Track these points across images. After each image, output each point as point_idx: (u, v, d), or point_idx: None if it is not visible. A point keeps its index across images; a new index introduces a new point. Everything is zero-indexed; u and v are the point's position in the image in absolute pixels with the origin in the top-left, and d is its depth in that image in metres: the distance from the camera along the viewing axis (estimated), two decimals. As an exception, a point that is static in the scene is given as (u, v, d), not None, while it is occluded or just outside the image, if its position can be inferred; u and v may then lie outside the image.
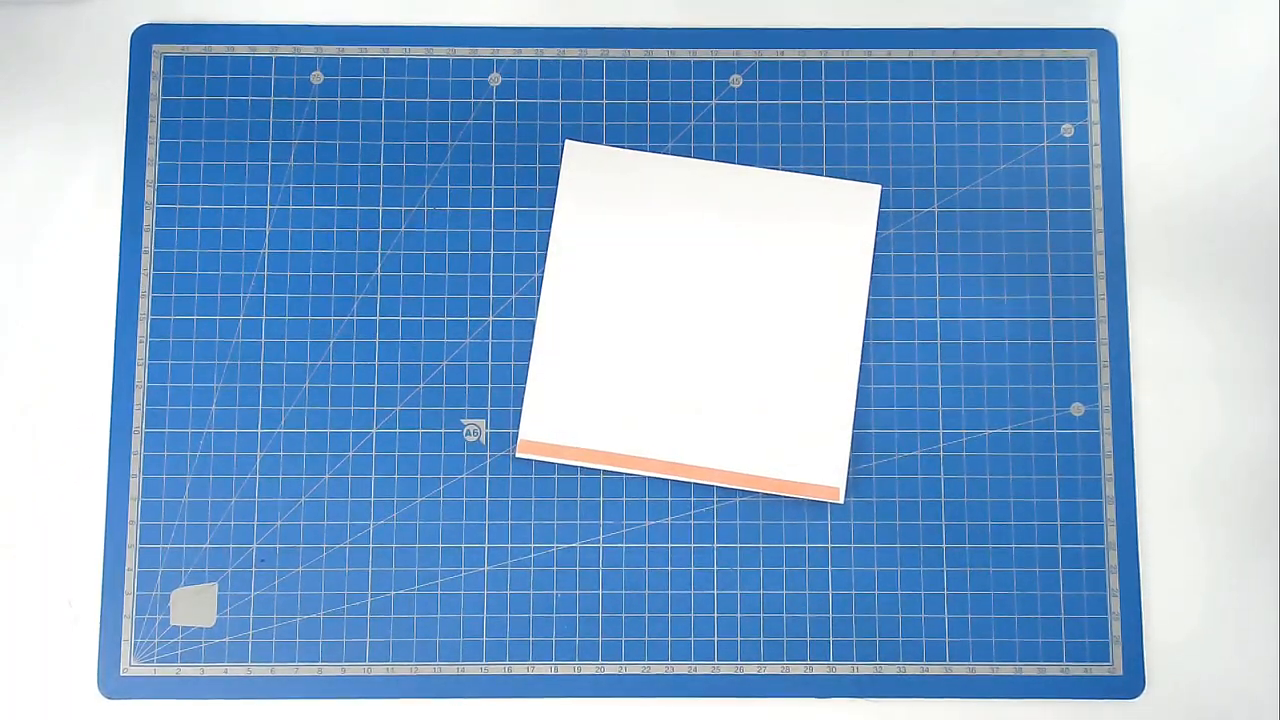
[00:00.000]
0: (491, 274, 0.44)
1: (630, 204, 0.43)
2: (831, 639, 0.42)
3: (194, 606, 0.42)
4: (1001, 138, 0.45)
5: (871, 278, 0.44)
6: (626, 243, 0.43)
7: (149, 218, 0.44)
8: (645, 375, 0.43)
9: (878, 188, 0.44)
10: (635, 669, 0.42)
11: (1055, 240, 0.44)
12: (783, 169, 0.44)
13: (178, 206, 0.44)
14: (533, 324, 0.43)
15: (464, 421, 0.43)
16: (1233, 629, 0.43)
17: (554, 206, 0.44)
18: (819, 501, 0.43)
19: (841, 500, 0.42)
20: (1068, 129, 0.45)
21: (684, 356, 0.43)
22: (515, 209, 0.44)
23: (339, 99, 0.45)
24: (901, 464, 0.43)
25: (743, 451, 0.42)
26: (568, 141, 0.44)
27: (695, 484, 0.43)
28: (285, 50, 0.45)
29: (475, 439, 0.43)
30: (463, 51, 0.45)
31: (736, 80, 0.45)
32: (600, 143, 0.44)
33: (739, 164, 0.44)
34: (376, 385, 0.43)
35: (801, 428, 0.42)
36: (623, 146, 0.44)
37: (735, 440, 0.42)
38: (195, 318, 0.43)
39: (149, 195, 0.44)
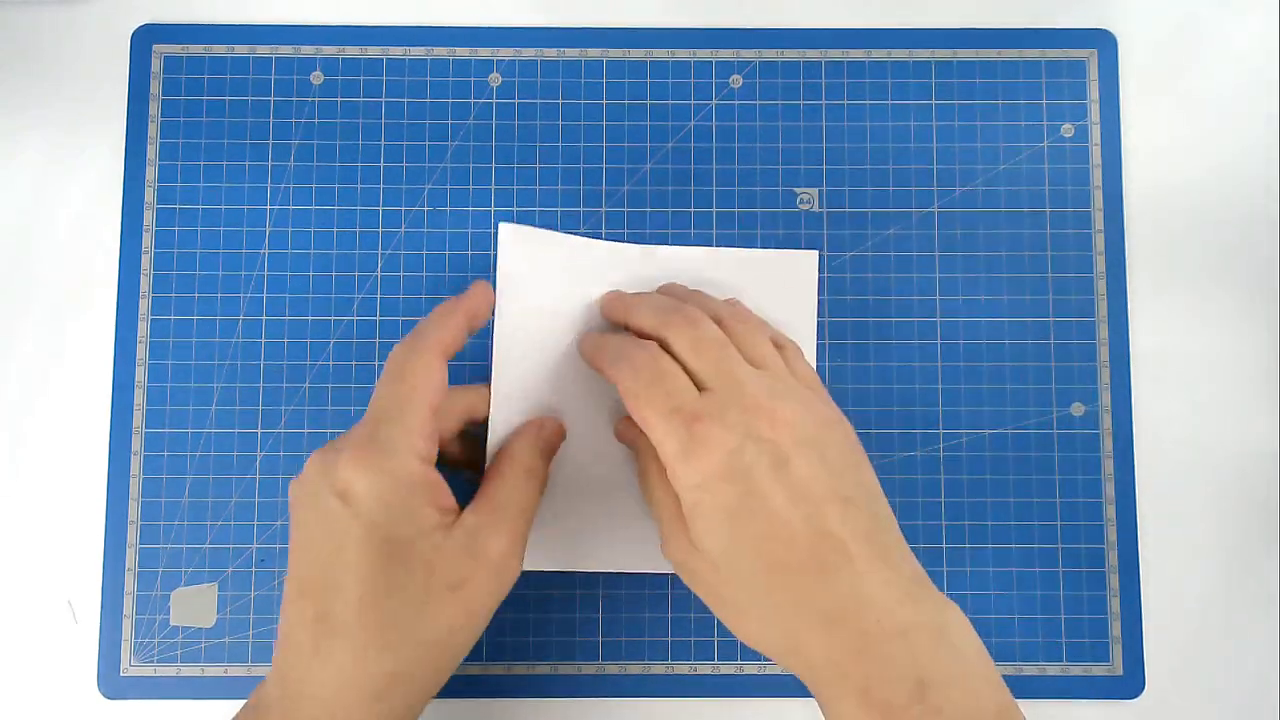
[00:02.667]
0: (492, 274, 0.44)
1: (569, 291, 0.41)
2: (831, 639, 0.42)
3: (194, 607, 0.42)
4: (1001, 138, 0.45)
5: (819, 344, 0.43)
6: (568, 330, 0.41)
7: (149, 218, 0.44)
8: (593, 486, 0.41)
9: (814, 254, 0.42)
10: (635, 669, 0.42)
11: (1055, 240, 0.44)
12: (783, 166, 0.44)
13: (178, 206, 0.44)
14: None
15: (464, 421, 0.43)
16: (1233, 629, 0.43)
17: (496, 292, 0.41)
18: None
19: None
20: (1068, 129, 0.45)
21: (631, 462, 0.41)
22: (515, 209, 0.44)
23: (339, 99, 0.45)
24: (902, 464, 0.43)
25: None
26: (501, 224, 0.41)
27: None
28: (285, 50, 0.45)
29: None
30: (463, 51, 0.45)
31: (736, 80, 0.45)
32: (601, 143, 0.44)
33: (679, 241, 0.43)
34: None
35: None
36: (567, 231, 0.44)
37: None
38: (195, 318, 0.44)
39: (149, 195, 0.44)
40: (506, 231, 0.41)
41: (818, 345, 0.43)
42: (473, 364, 0.43)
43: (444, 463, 0.38)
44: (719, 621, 0.42)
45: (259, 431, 0.43)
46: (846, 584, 0.32)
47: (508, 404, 0.41)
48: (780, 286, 0.43)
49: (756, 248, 0.44)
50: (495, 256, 0.43)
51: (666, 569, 0.39)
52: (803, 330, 0.42)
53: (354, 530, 0.33)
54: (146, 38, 0.45)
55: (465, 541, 0.34)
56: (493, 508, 0.36)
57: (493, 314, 0.40)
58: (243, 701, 0.42)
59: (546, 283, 0.41)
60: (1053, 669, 0.42)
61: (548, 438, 0.39)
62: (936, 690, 0.31)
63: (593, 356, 0.38)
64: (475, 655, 0.42)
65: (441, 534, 0.34)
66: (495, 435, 0.40)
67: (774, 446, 0.33)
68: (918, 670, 0.31)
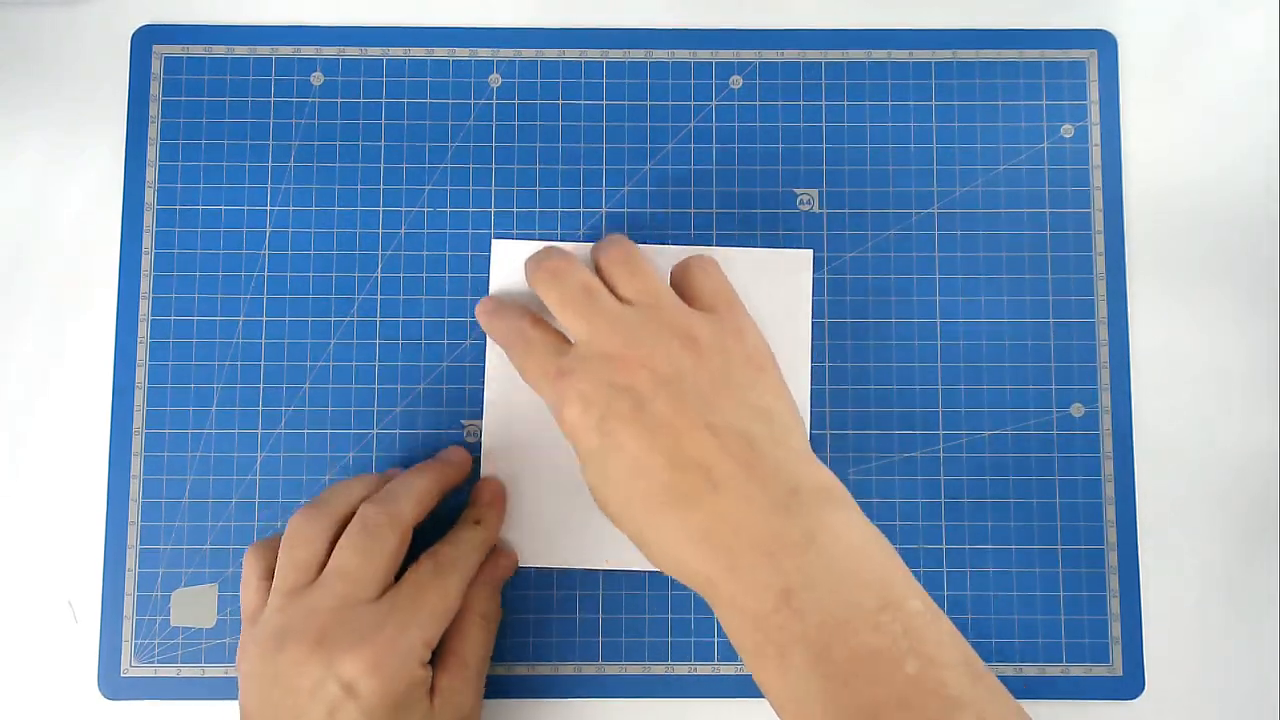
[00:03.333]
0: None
1: None
2: (831, 639, 0.42)
3: (194, 607, 0.42)
4: (1001, 138, 0.45)
5: (814, 344, 0.43)
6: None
7: (149, 218, 0.44)
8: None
9: (809, 253, 0.43)
10: (635, 669, 0.42)
11: (1055, 240, 0.44)
12: (783, 166, 0.44)
13: (178, 207, 0.44)
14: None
15: (464, 422, 0.43)
16: (1233, 629, 0.43)
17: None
18: (819, 502, 0.43)
19: None
20: (1068, 129, 0.45)
21: None
22: (515, 209, 0.44)
23: (339, 99, 0.45)
24: (901, 464, 0.43)
25: None
26: (494, 241, 0.43)
27: None
28: (285, 50, 0.45)
29: (475, 439, 0.43)
30: (462, 52, 0.45)
31: (736, 80, 0.45)
32: (601, 143, 0.44)
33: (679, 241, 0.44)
34: (376, 385, 0.43)
35: None
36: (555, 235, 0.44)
37: None
38: (195, 318, 0.44)
39: (149, 195, 0.44)
40: (499, 249, 0.43)
41: (816, 345, 0.43)
42: (471, 383, 0.44)
43: None
44: (719, 622, 0.42)
45: (259, 431, 0.43)
46: (710, 507, 0.34)
47: (501, 413, 0.42)
48: (776, 285, 0.43)
49: (756, 247, 0.44)
50: (489, 273, 0.43)
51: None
52: (799, 328, 0.43)
53: None
54: (146, 38, 0.45)
55: (442, 709, 0.37)
56: (461, 665, 0.38)
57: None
58: (243, 702, 0.42)
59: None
60: (1053, 669, 0.42)
61: (502, 575, 0.41)
62: (799, 595, 0.32)
63: (490, 335, 0.42)
64: (475, 655, 0.42)
65: (427, 711, 0.37)
66: (489, 448, 0.42)
67: (631, 391, 0.35)
68: (782, 579, 0.32)
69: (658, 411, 0.35)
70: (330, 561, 0.37)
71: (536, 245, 0.43)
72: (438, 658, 0.38)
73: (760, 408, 0.36)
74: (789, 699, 0.32)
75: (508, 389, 0.42)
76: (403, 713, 0.35)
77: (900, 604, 0.32)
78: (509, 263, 0.43)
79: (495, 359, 0.43)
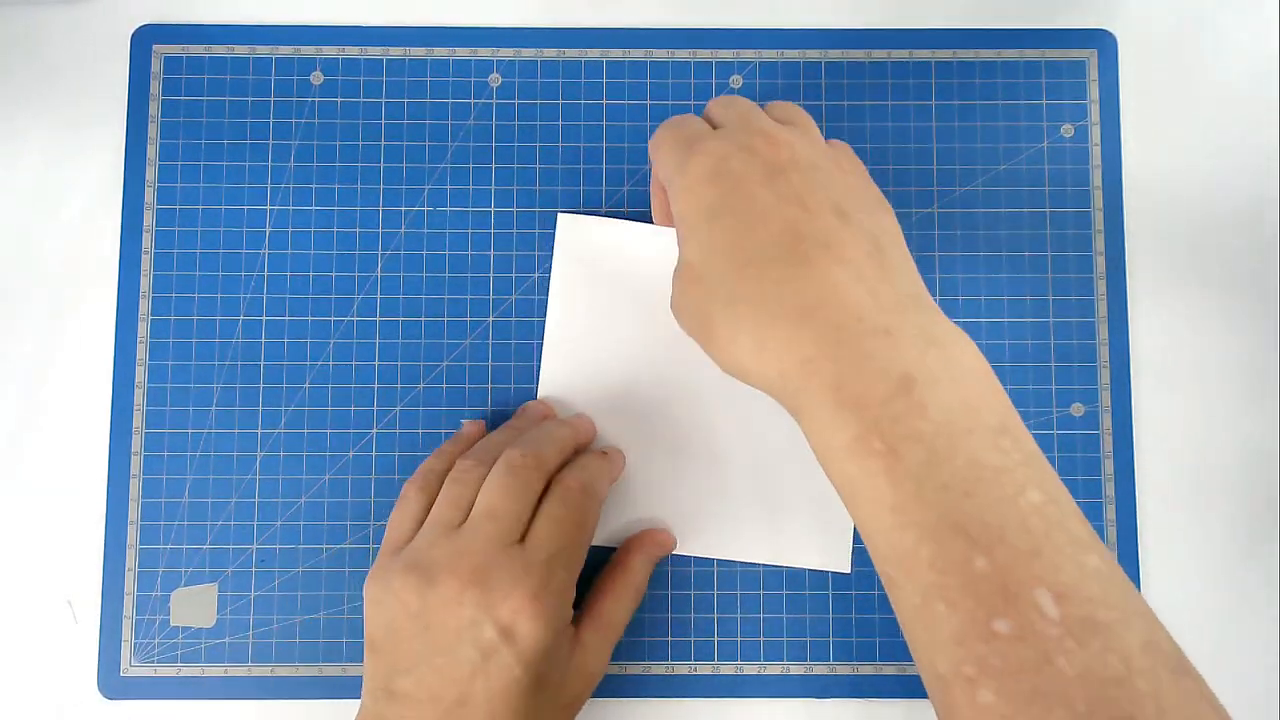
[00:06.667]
0: (491, 274, 0.44)
1: (623, 275, 0.43)
2: (831, 639, 0.42)
3: (194, 607, 0.42)
4: (1001, 138, 0.45)
5: None
6: (624, 324, 0.43)
7: (149, 218, 0.44)
8: (650, 474, 0.42)
9: None
10: (635, 669, 0.42)
11: (1055, 240, 0.44)
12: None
13: (178, 207, 0.44)
14: (530, 324, 0.43)
15: (464, 421, 0.43)
16: (1233, 629, 0.43)
17: (550, 276, 0.43)
18: (819, 501, 0.43)
19: (849, 571, 0.42)
20: (1068, 129, 0.45)
21: (687, 445, 0.42)
22: (515, 209, 0.44)
23: (339, 99, 0.45)
24: (901, 464, 0.43)
25: (749, 541, 0.42)
26: (559, 215, 0.43)
27: None
28: (285, 50, 0.45)
29: (475, 439, 0.43)
30: (463, 51, 0.45)
31: (736, 80, 0.45)
32: (601, 143, 0.44)
33: None
34: (376, 385, 0.43)
35: (802, 509, 0.42)
36: (615, 214, 0.44)
37: (741, 530, 0.42)
38: (195, 318, 0.44)
39: (149, 195, 0.44)
40: (564, 221, 0.43)
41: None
42: (472, 382, 0.43)
43: None
44: (719, 621, 0.42)
45: (259, 431, 0.43)
46: (824, 277, 0.30)
47: (557, 387, 0.43)
48: None
49: None
50: (553, 247, 0.44)
51: (717, 554, 0.42)
52: None
53: (514, 670, 0.34)
54: (146, 38, 0.45)
55: (580, 663, 0.37)
56: (604, 625, 0.39)
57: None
58: (242, 702, 0.42)
59: (601, 269, 0.43)
60: (1053, 669, 0.42)
61: (663, 552, 0.42)
62: (921, 387, 0.28)
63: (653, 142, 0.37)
64: (475, 655, 0.42)
65: (568, 661, 0.37)
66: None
67: (770, 160, 0.32)
68: (902, 365, 0.28)
69: (793, 183, 0.32)
70: (477, 503, 0.37)
71: (601, 220, 0.43)
72: (583, 612, 0.39)
73: (889, 230, 0.33)
74: (892, 505, 0.28)
75: (566, 372, 0.43)
76: (553, 660, 0.36)
77: (1017, 436, 0.29)
78: (572, 235, 0.43)
79: (555, 343, 0.43)
